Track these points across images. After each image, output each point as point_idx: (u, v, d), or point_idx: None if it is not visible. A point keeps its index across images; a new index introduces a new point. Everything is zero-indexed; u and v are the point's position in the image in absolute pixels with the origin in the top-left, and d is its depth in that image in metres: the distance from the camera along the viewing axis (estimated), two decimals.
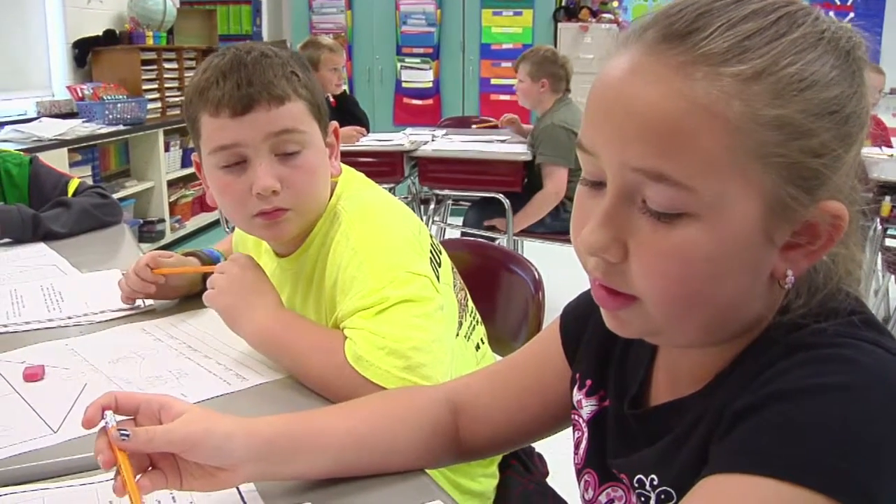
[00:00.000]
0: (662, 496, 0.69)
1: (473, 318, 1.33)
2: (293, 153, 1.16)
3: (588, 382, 0.83)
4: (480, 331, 1.36)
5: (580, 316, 0.87)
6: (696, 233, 0.59)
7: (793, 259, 0.63)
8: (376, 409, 0.93)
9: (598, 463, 0.80)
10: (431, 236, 1.27)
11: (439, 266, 1.24)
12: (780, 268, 0.63)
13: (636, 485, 0.72)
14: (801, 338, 0.61)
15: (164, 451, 0.76)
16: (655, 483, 0.69)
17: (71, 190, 2.14)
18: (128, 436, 0.74)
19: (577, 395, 0.84)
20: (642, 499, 0.71)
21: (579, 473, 0.83)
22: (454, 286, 1.30)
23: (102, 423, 0.76)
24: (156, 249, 1.45)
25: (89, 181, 4.58)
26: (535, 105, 4.09)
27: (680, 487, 0.66)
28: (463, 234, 4.06)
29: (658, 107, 0.59)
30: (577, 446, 0.84)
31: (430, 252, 1.22)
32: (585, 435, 0.82)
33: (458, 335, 1.26)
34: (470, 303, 1.34)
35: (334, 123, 1.28)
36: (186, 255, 1.46)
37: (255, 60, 1.14)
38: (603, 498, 0.79)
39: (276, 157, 1.15)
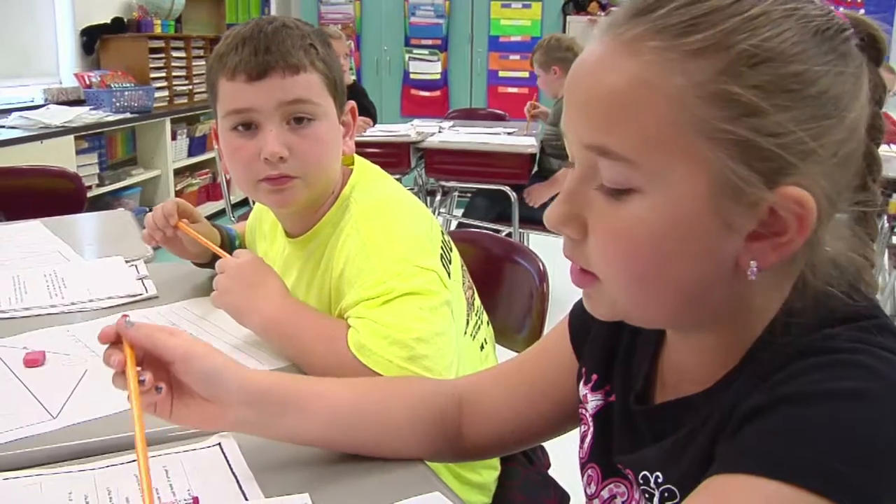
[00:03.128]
0: (666, 494, 0.68)
1: (479, 317, 1.33)
2: (304, 123, 1.17)
3: (594, 377, 0.82)
4: (487, 331, 1.35)
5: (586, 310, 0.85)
6: (643, 210, 0.59)
7: (758, 250, 0.60)
8: (379, 387, 0.93)
9: (601, 458, 0.79)
10: (443, 232, 1.27)
11: (450, 263, 1.24)
12: (743, 258, 0.61)
13: (641, 481, 0.71)
14: (814, 342, 0.60)
15: (156, 355, 0.79)
16: (660, 480, 0.69)
17: None
18: (132, 325, 0.78)
19: (583, 390, 0.84)
20: (646, 495, 0.70)
21: (583, 467, 0.83)
22: (463, 284, 1.29)
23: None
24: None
25: (96, 169, 4.63)
26: (555, 94, 4.14)
27: (684, 486, 0.65)
28: (459, 224, 4.06)
29: (603, 83, 0.59)
30: (581, 440, 0.84)
31: (441, 248, 1.22)
32: (591, 429, 0.82)
33: (465, 333, 1.26)
34: (477, 302, 1.34)
35: (352, 103, 1.28)
36: (214, 225, 1.48)
37: (276, 30, 1.16)
38: (605, 493, 0.78)
39: (287, 124, 1.16)
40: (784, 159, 0.57)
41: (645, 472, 0.71)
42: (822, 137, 0.58)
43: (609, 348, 0.81)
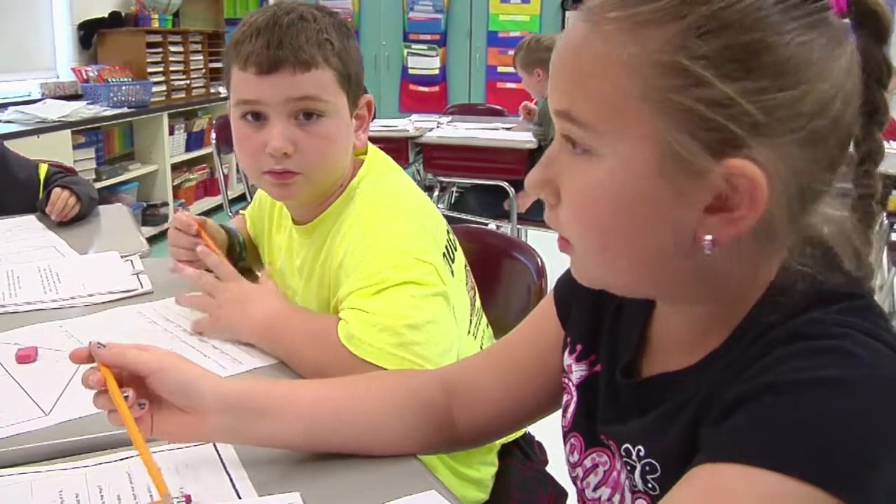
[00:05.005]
0: (647, 467, 0.68)
1: (479, 318, 1.32)
2: (312, 119, 1.16)
3: (578, 347, 0.82)
4: (487, 332, 1.35)
5: (571, 279, 0.82)
6: (600, 172, 0.61)
7: (713, 225, 0.60)
8: (361, 385, 0.92)
9: (585, 427, 0.80)
10: (449, 231, 1.26)
11: (453, 262, 1.23)
12: (699, 232, 0.60)
13: (623, 453, 0.72)
14: (800, 326, 0.59)
15: (129, 371, 0.79)
16: (642, 454, 0.69)
17: (42, 173, 2.12)
18: (103, 346, 0.79)
19: (568, 360, 0.84)
20: (628, 467, 0.71)
21: (566, 436, 0.83)
22: (466, 284, 1.28)
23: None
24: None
25: (93, 164, 4.61)
26: (541, 95, 4.08)
27: (666, 461, 0.66)
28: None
29: (569, 52, 0.63)
30: (564, 409, 0.84)
31: (446, 247, 1.22)
32: (574, 399, 0.82)
33: (468, 332, 1.25)
34: (478, 303, 1.33)
35: (367, 96, 1.27)
36: (221, 226, 1.48)
37: (291, 22, 1.14)
38: (588, 462, 0.78)
39: (294, 120, 1.15)
40: (731, 131, 0.57)
41: (627, 445, 0.71)
42: (777, 111, 0.57)
43: (595, 318, 0.81)
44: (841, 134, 0.61)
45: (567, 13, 6.54)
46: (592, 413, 0.79)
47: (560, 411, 0.88)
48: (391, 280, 1.08)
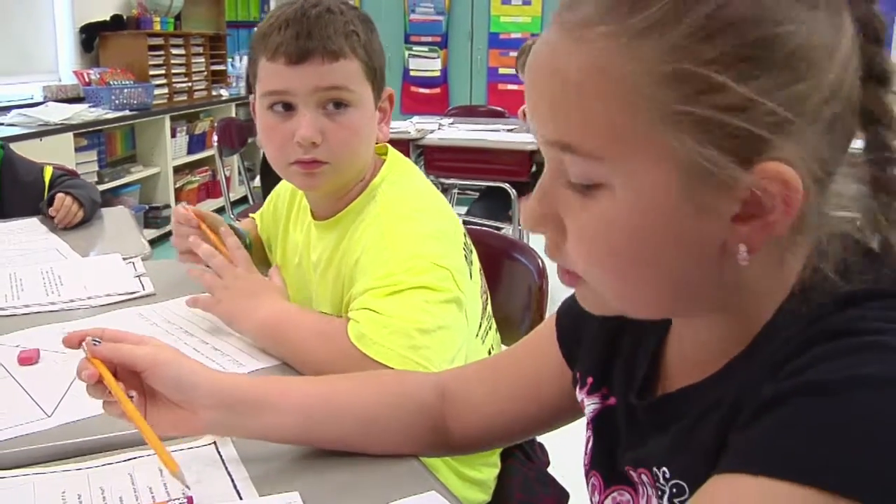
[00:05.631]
0: (675, 489, 0.63)
1: (489, 322, 1.32)
2: (340, 109, 1.18)
3: (589, 380, 0.78)
4: (494, 338, 1.35)
5: (577, 314, 0.80)
6: (613, 205, 0.56)
7: (745, 233, 0.55)
8: (356, 381, 0.92)
9: (602, 464, 0.76)
10: (465, 235, 1.27)
11: (471, 265, 1.24)
12: (730, 242, 0.56)
13: (653, 478, 0.66)
14: (838, 322, 0.54)
15: (125, 366, 0.80)
16: (667, 476, 0.64)
17: (47, 177, 2.13)
18: (99, 342, 0.81)
19: (580, 395, 0.80)
20: (659, 493, 0.65)
21: (587, 475, 0.79)
22: (480, 287, 1.29)
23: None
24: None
25: (95, 166, 4.62)
26: None
27: (692, 479, 0.60)
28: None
29: (557, 74, 0.56)
30: (585, 446, 0.80)
31: (463, 250, 1.22)
32: (591, 435, 0.78)
33: (476, 336, 1.26)
34: (489, 308, 1.33)
35: (389, 90, 1.28)
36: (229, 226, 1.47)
37: (319, 14, 1.16)
38: (609, 502, 0.74)
39: (322, 110, 1.17)
40: (755, 134, 0.52)
41: (654, 469, 0.66)
42: (798, 104, 0.53)
43: (605, 350, 0.77)
44: (852, 108, 0.56)
45: None
46: (610, 449, 0.74)
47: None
48: (406, 283, 1.08)
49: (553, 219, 0.60)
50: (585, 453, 0.80)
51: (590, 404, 0.78)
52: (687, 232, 0.56)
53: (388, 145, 1.32)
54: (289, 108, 1.18)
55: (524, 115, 3.85)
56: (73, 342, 0.82)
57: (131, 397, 0.79)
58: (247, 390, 0.84)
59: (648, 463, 0.67)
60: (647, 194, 0.55)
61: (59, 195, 1.95)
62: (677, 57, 0.52)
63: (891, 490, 0.46)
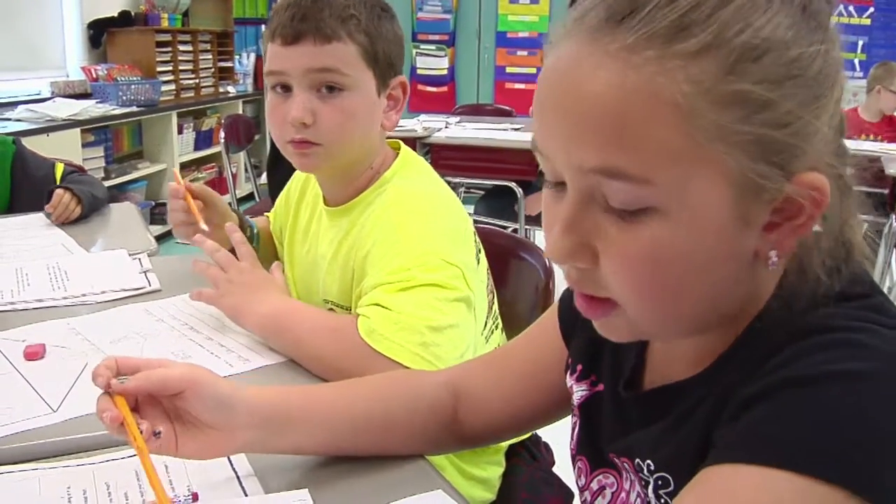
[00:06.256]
0: (660, 482, 0.66)
1: (494, 322, 1.32)
2: (334, 92, 1.18)
3: (578, 367, 0.81)
4: (500, 338, 1.34)
5: None
6: (664, 229, 0.56)
7: (775, 239, 0.58)
8: (375, 387, 0.92)
9: (589, 449, 0.78)
10: (475, 233, 1.27)
11: (478, 264, 1.23)
12: (762, 249, 0.58)
13: (636, 468, 0.70)
14: (811, 321, 0.58)
15: (163, 392, 0.74)
16: (652, 468, 0.67)
17: (58, 173, 2.13)
18: (126, 379, 0.73)
19: (569, 381, 0.83)
20: (642, 482, 0.69)
21: (573, 459, 0.82)
22: (486, 286, 1.29)
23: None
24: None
25: (102, 162, 4.62)
26: None
27: (677, 472, 0.63)
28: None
29: (603, 100, 0.54)
30: (572, 431, 0.83)
31: (474, 249, 1.22)
32: (578, 420, 0.81)
33: (481, 334, 1.25)
34: (495, 307, 1.33)
35: (401, 77, 1.27)
36: (235, 211, 1.51)
37: None
38: (594, 484, 0.77)
39: (316, 92, 1.18)
40: (796, 146, 0.55)
41: (637, 460, 0.69)
42: (822, 115, 0.56)
43: (594, 338, 0.76)
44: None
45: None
46: (596, 434, 0.77)
47: (565, 413, 0.88)
48: (417, 280, 1.08)
49: (583, 249, 0.59)
50: (572, 438, 0.82)
51: (578, 391, 0.81)
52: (732, 247, 0.58)
53: (400, 142, 1.32)
54: (287, 89, 1.19)
55: (535, 145, 3.88)
56: (107, 385, 0.73)
57: (157, 433, 0.73)
58: (280, 407, 0.82)
59: (632, 454, 0.70)
60: (702, 214, 0.55)
61: (58, 191, 1.95)
62: (734, 78, 0.53)
63: (869, 474, 0.50)
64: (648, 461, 0.67)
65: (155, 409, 0.75)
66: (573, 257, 0.60)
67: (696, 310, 0.61)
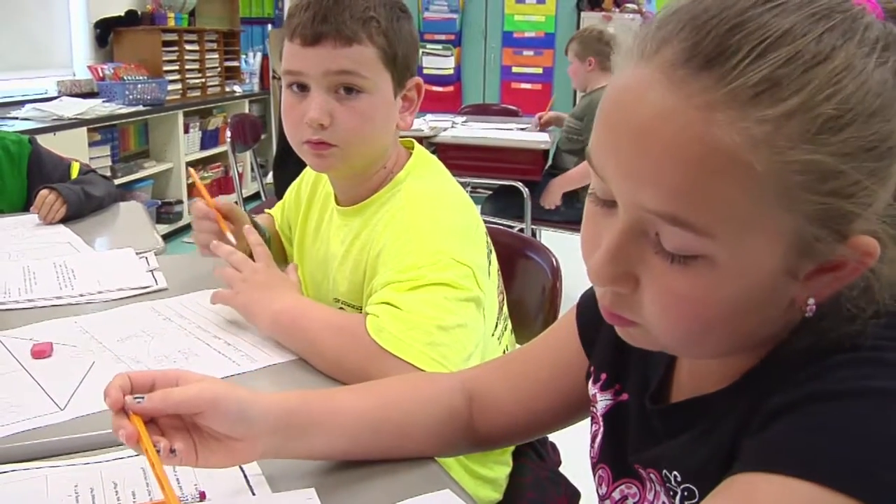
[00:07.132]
0: (685, 493, 0.66)
1: (505, 323, 1.32)
2: (352, 94, 1.18)
3: (603, 376, 0.81)
4: (510, 339, 1.35)
5: (597, 308, 0.78)
6: (713, 276, 0.56)
7: (815, 287, 0.58)
8: (392, 391, 0.91)
9: (612, 458, 0.78)
10: (486, 234, 1.27)
11: (489, 265, 1.23)
12: (801, 296, 0.58)
13: (663, 479, 0.69)
14: (840, 340, 0.58)
15: (181, 413, 0.73)
16: (679, 479, 0.67)
17: (74, 172, 2.14)
18: (142, 399, 0.71)
19: (593, 389, 0.82)
20: (670, 493, 0.68)
21: (594, 467, 0.81)
22: (497, 287, 1.29)
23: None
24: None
25: (108, 161, 4.63)
26: (583, 85, 4.07)
27: (703, 485, 0.63)
28: None
29: (676, 150, 0.53)
30: (592, 440, 0.82)
31: (485, 249, 1.22)
32: (601, 429, 0.80)
33: (492, 335, 1.25)
34: (505, 309, 1.33)
35: (417, 79, 1.27)
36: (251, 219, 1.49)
37: None
38: (616, 494, 0.76)
39: (334, 93, 1.18)
40: (855, 214, 0.54)
41: (665, 471, 0.69)
42: (887, 182, 0.55)
43: (620, 348, 0.77)
44: None
45: (583, 13, 6.52)
46: (621, 443, 0.76)
47: (580, 417, 0.88)
48: (427, 278, 1.08)
49: (627, 276, 0.59)
50: (592, 446, 0.82)
51: (602, 400, 0.80)
52: (772, 295, 0.58)
53: (414, 141, 1.32)
54: (303, 88, 1.19)
55: (542, 121, 3.81)
56: (116, 406, 0.71)
57: (173, 452, 0.72)
58: (298, 412, 0.81)
59: (659, 465, 0.70)
60: (751, 267, 0.56)
61: (42, 192, 1.95)
62: (812, 147, 0.51)
63: (890, 489, 0.50)
64: (675, 472, 0.67)
65: (173, 420, 0.74)
66: (615, 283, 0.60)
67: (724, 343, 0.62)
